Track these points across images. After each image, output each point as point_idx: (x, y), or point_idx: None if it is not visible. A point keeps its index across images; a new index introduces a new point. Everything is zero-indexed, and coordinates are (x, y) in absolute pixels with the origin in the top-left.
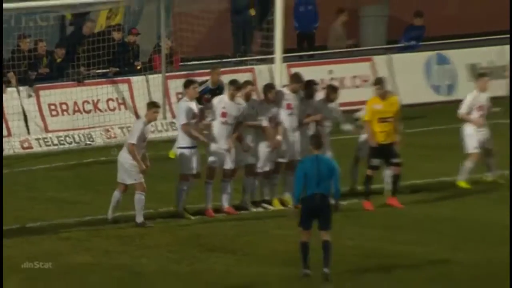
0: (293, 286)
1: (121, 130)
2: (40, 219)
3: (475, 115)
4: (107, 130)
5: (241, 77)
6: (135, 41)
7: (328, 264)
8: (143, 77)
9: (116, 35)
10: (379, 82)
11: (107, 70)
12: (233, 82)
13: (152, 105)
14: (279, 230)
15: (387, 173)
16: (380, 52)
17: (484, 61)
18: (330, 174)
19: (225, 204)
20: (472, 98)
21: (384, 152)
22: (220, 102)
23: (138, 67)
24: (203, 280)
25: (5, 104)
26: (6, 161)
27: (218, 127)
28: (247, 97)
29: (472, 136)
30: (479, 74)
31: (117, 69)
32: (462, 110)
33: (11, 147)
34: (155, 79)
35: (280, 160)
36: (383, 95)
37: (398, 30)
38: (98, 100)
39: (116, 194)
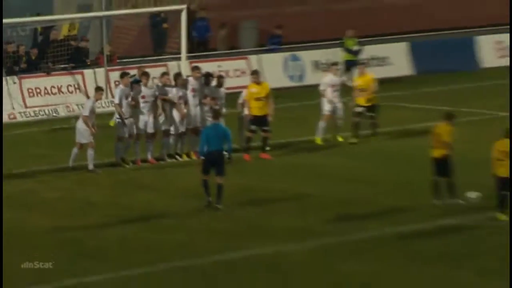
0: (199, 212)
1: (77, 107)
2: (21, 168)
3: (329, 91)
4: (68, 106)
5: (159, 70)
6: (86, 45)
7: (220, 201)
8: (92, 70)
9: (73, 42)
10: (254, 73)
11: (67, 65)
12: (144, 73)
13: (98, 89)
14: (187, 174)
15: (262, 135)
16: (253, 52)
17: (323, 59)
18: (224, 136)
19: (149, 157)
20: (327, 80)
21: (259, 121)
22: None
23: (88, 63)
24: (136, 208)
25: None
26: None
27: (142, 105)
28: (164, 83)
29: (327, 103)
30: (332, 64)
31: (74, 65)
32: (321, 88)
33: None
34: (100, 72)
35: (187, 126)
36: (257, 81)
37: (265, 37)
38: (61, 86)
39: (75, 150)
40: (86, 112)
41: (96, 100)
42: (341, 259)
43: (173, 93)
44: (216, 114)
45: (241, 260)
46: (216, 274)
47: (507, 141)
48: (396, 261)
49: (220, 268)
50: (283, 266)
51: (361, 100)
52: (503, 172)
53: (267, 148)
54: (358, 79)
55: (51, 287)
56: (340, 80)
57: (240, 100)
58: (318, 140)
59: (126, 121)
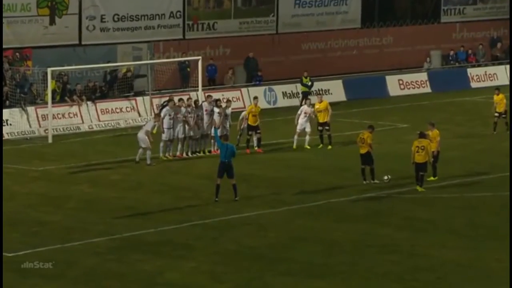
0: (216, 203)
1: (132, 121)
2: (95, 160)
3: (302, 116)
4: (126, 121)
5: (184, 97)
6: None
7: (237, 195)
8: (142, 97)
9: (130, 80)
10: (255, 98)
11: (127, 94)
12: (174, 99)
13: (157, 115)
14: (204, 162)
15: (257, 136)
16: (244, 87)
17: (288, 90)
18: (232, 152)
19: (177, 153)
20: (304, 108)
21: (254, 128)
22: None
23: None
24: (171, 183)
25: None
26: None
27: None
28: (187, 105)
29: (299, 124)
30: (306, 99)
31: (130, 93)
32: (298, 112)
33: None
34: (147, 98)
35: (202, 133)
36: (256, 104)
37: (250, 77)
38: (122, 107)
39: (140, 151)
40: (148, 128)
41: (155, 121)
42: (300, 218)
43: (192, 113)
44: (226, 138)
45: (238, 219)
46: (222, 228)
47: (422, 139)
48: (334, 219)
49: (225, 224)
50: (263, 223)
51: (320, 118)
52: (420, 159)
53: (260, 145)
54: (317, 104)
55: None
56: (311, 110)
57: (240, 117)
58: (294, 146)
59: (166, 131)
